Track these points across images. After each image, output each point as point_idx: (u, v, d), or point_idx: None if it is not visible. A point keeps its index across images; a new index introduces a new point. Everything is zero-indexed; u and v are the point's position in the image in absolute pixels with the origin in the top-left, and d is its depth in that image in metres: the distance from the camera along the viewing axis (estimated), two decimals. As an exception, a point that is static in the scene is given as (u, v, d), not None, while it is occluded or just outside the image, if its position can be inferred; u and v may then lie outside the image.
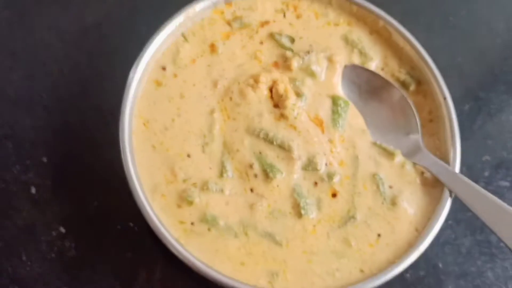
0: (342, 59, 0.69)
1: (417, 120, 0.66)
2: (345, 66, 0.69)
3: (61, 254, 0.64)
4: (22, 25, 0.78)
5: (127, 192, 0.59)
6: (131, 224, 0.66)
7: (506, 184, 0.74)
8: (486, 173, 0.75)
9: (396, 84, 0.69)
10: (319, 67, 0.68)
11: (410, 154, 0.65)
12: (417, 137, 0.65)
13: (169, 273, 0.65)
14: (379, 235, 0.61)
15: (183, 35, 0.70)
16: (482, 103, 0.79)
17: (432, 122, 0.68)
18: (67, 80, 0.75)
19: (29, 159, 0.69)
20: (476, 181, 0.72)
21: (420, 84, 0.70)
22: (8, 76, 0.74)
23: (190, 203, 0.60)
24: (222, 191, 0.61)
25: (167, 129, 0.65)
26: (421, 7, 0.87)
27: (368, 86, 0.69)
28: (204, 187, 0.61)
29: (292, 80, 0.67)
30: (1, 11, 0.79)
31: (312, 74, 0.68)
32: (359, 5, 0.73)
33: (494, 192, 0.71)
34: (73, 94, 0.74)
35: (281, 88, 0.65)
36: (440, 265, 0.69)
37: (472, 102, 0.79)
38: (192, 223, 0.59)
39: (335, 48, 0.70)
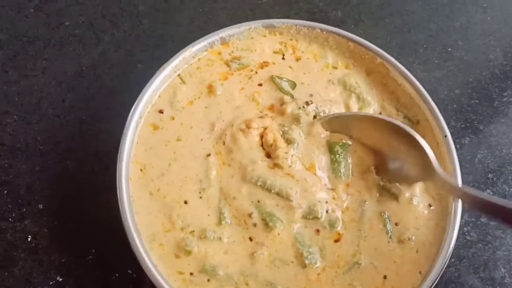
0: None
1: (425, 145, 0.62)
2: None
3: (59, 305, 0.63)
4: (16, 67, 0.78)
5: (125, 239, 0.58)
6: (129, 271, 0.65)
7: (509, 219, 0.73)
8: (489, 209, 0.74)
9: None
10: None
11: (424, 178, 0.63)
12: (428, 161, 0.62)
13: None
14: (385, 277, 0.60)
15: (180, 77, 0.70)
16: (482, 136, 0.79)
17: None
18: (63, 123, 0.74)
19: (25, 206, 0.69)
20: (478, 216, 0.73)
21: (418, 123, 0.70)
22: (3, 120, 0.74)
23: (189, 252, 0.59)
24: (220, 239, 0.60)
25: (164, 175, 0.64)
26: (419, 40, 0.87)
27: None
28: (202, 235, 0.60)
29: (282, 126, 0.66)
30: (-5, 54, 0.79)
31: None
32: (356, 42, 0.73)
33: (495, 228, 0.73)
34: (69, 137, 0.73)
35: (270, 137, 0.65)
36: (444, 305, 0.68)
37: (472, 135, 0.78)
38: (191, 274, 0.59)
39: (334, 98, 0.70)
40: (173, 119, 0.67)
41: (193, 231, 0.61)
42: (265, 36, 0.74)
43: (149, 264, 0.57)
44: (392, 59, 0.71)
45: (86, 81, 0.78)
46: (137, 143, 0.65)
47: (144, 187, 0.63)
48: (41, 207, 0.68)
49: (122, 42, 0.82)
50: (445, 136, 0.66)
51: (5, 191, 0.69)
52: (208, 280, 0.58)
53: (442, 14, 0.90)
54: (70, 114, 0.75)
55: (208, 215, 0.62)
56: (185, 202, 0.62)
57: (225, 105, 0.69)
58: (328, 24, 0.74)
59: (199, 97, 0.69)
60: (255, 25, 0.73)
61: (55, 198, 0.69)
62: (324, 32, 0.73)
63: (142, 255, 0.57)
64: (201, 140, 0.66)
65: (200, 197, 0.63)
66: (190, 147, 0.66)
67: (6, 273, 0.65)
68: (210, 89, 0.69)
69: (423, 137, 0.63)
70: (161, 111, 0.68)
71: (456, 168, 0.64)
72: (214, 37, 0.72)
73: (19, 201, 0.69)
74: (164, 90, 0.69)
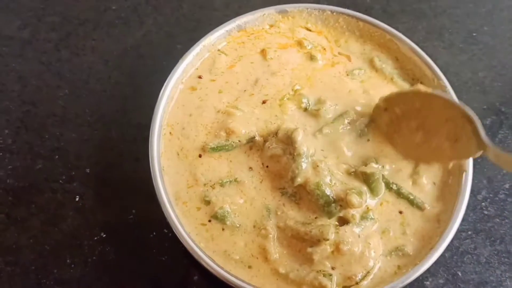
0: None
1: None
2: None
3: (102, 257, 0.70)
4: (68, 47, 0.85)
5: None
6: (165, 231, 0.71)
7: (527, 196, 0.76)
8: (507, 185, 0.76)
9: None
10: None
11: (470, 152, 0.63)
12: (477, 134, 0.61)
13: (202, 276, 0.69)
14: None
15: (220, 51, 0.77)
16: (503, 117, 0.81)
17: None
18: (109, 98, 0.81)
19: (74, 170, 0.75)
20: (496, 193, 0.76)
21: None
22: (55, 94, 0.81)
23: (208, 202, 0.65)
24: (238, 187, 0.67)
25: (184, 129, 0.70)
26: (445, 25, 0.90)
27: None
28: (221, 182, 0.67)
29: None
30: (49, 33, 0.87)
31: None
32: (365, 21, 0.77)
33: None
34: (114, 110, 0.80)
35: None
36: (460, 274, 0.71)
37: (493, 116, 0.81)
38: (209, 221, 0.65)
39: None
40: (214, 81, 0.74)
41: (214, 184, 0.66)
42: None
43: (175, 220, 0.63)
44: (400, 34, 0.75)
45: (130, 60, 0.85)
46: (173, 105, 0.71)
47: (172, 148, 0.69)
48: (88, 171, 0.75)
49: (163, 25, 0.88)
50: None
51: (56, 156, 0.76)
52: (223, 229, 0.64)
53: (468, 1, 0.92)
54: (115, 89, 0.82)
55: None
56: (200, 156, 0.68)
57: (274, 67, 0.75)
58: (356, 10, 0.78)
59: (239, 60, 0.75)
60: (269, 11, 0.78)
61: (101, 164, 0.76)
62: (334, 13, 0.78)
63: (168, 211, 0.63)
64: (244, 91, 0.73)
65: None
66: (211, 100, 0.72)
67: (55, 229, 0.71)
68: (263, 52, 0.76)
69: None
70: (200, 77, 0.74)
71: None
72: (231, 24, 0.76)
73: (69, 165, 0.76)
74: (203, 61, 0.75)
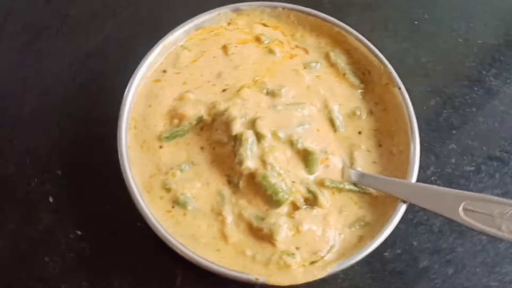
0: None
1: None
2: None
3: (79, 254, 0.72)
4: (31, 53, 0.87)
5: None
6: (139, 224, 0.73)
7: (471, 168, 0.82)
8: (453, 160, 0.83)
9: None
10: None
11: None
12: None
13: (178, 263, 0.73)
14: None
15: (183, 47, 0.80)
16: (446, 97, 0.88)
17: (386, 111, 0.77)
18: (75, 99, 0.84)
19: (45, 172, 0.78)
20: (443, 168, 0.82)
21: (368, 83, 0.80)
22: (21, 99, 0.83)
23: (168, 190, 0.68)
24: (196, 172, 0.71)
25: (145, 120, 0.73)
26: (389, 15, 0.96)
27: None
28: (178, 169, 0.70)
29: None
30: (10, 42, 0.88)
31: None
32: (314, 16, 0.82)
33: (460, 177, 0.81)
34: (81, 110, 0.83)
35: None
36: (415, 244, 0.77)
37: (437, 98, 0.88)
38: (172, 207, 0.68)
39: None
40: (179, 73, 0.77)
41: (174, 172, 0.70)
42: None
43: (145, 210, 0.65)
44: (346, 26, 0.80)
45: (93, 62, 0.87)
46: (136, 98, 0.74)
47: (136, 141, 0.72)
48: (60, 172, 0.78)
49: (123, 28, 0.91)
50: (399, 88, 0.75)
51: (27, 159, 0.78)
52: (184, 214, 0.67)
53: (410, -9, 1.00)
54: (80, 90, 0.84)
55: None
56: (161, 147, 0.72)
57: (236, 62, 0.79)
58: (307, 5, 0.83)
59: (202, 55, 0.79)
60: (224, 10, 0.82)
61: (72, 163, 0.78)
62: (285, 10, 0.83)
63: (139, 201, 0.66)
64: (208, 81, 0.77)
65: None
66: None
67: (31, 229, 0.73)
68: (224, 48, 0.80)
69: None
70: (164, 71, 0.77)
71: (413, 120, 0.73)
72: (189, 24, 0.80)
73: (40, 167, 0.78)
74: (167, 56, 0.79)
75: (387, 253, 0.76)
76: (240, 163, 0.67)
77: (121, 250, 0.73)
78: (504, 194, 0.80)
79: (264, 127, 0.70)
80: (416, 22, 0.95)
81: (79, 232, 0.74)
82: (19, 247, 0.73)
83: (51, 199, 0.76)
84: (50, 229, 0.74)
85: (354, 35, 0.80)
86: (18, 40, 0.89)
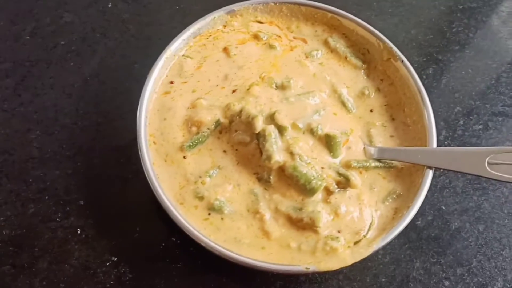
0: None
1: None
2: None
3: (119, 279, 0.71)
4: (27, 89, 0.85)
5: (162, 213, 0.66)
6: (173, 239, 0.74)
7: (480, 127, 0.85)
8: (461, 122, 0.86)
9: None
10: None
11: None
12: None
13: (219, 270, 0.72)
14: None
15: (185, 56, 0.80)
16: (442, 64, 0.91)
17: (392, 85, 0.79)
18: (82, 129, 0.82)
19: (67, 205, 0.76)
20: (454, 131, 0.84)
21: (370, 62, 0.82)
22: (27, 137, 0.81)
23: (201, 198, 0.68)
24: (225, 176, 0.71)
25: (162, 134, 0.73)
26: (371, -6, 0.98)
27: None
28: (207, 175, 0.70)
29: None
30: (4, 80, 0.86)
31: None
32: (305, 5, 0.84)
33: (471, 136, 0.84)
34: (90, 139, 0.81)
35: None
36: (443, 208, 0.79)
37: (434, 65, 0.90)
38: (209, 214, 0.68)
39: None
40: (186, 82, 0.77)
41: (203, 179, 0.70)
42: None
43: (184, 222, 0.64)
44: (338, 10, 0.82)
45: (92, 88, 0.86)
46: (150, 114, 0.74)
47: (159, 156, 0.71)
48: (82, 202, 0.76)
49: (115, 49, 0.90)
50: (402, 61, 0.77)
51: (46, 197, 0.76)
52: (222, 219, 0.67)
53: (386, -30, 1.02)
54: (85, 119, 0.83)
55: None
56: (184, 157, 0.72)
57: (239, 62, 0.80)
58: (292, -6, 0.84)
59: (205, 61, 0.79)
60: (218, 13, 0.82)
61: (92, 193, 0.77)
62: (277, 4, 0.84)
63: (175, 215, 0.65)
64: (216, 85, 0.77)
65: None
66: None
67: (66, 265, 0.72)
68: (225, 50, 0.80)
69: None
70: (171, 82, 0.77)
71: (421, 88, 0.75)
72: (186, 33, 0.80)
73: (61, 202, 0.76)
74: (170, 68, 0.79)
75: (419, 222, 0.78)
76: (269, 158, 0.68)
77: (161, 268, 0.72)
78: (515, 145, 0.83)
79: (284, 119, 0.70)
80: (398, -2, 0.98)
81: (114, 258, 0.72)
82: (57, 284, 0.70)
83: (79, 231, 0.74)
84: (85, 260, 0.72)
85: (348, 18, 0.81)
86: (10, 78, 0.86)
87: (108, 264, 0.72)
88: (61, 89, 0.86)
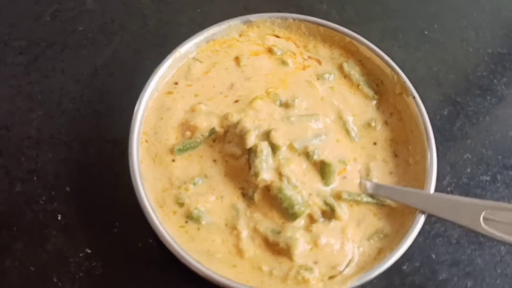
0: None
1: None
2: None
3: (89, 273, 0.70)
4: (37, 69, 0.86)
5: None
6: (150, 241, 0.72)
7: (487, 178, 0.81)
8: (468, 170, 0.82)
9: None
10: None
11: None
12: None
13: (192, 281, 0.70)
14: None
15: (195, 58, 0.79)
16: (459, 107, 0.87)
17: (401, 121, 0.76)
18: (83, 116, 0.82)
19: (53, 190, 0.76)
20: (459, 178, 0.81)
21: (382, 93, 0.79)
22: (28, 116, 0.82)
23: (181, 204, 0.67)
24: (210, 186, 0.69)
25: (157, 133, 0.72)
26: (398, 25, 0.95)
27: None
28: (192, 182, 0.69)
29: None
30: (17, 57, 0.87)
31: None
32: (325, 26, 0.82)
33: (476, 186, 0.80)
34: (89, 128, 0.81)
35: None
36: (433, 256, 0.75)
37: (450, 107, 0.87)
38: (186, 222, 0.66)
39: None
40: (190, 86, 0.76)
41: (187, 186, 0.68)
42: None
43: (159, 227, 0.63)
44: (357, 35, 0.80)
45: (101, 78, 0.86)
46: (148, 111, 0.73)
47: (149, 155, 0.71)
48: (68, 189, 0.76)
49: (130, 42, 0.90)
50: (414, 97, 0.74)
51: (35, 178, 0.77)
52: (198, 229, 0.66)
53: (418, 2, 0.99)
54: (88, 108, 0.83)
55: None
56: (173, 160, 0.70)
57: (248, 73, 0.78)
58: (314, 16, 0.83)
59: (214, 67, 0.78)
60: (234, 22, 0.81)
61: (80, 181, 0.77)
62: (296, 21, 0.82)
63: (152, 218, 0.64)
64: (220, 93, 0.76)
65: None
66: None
67: (40, 250, 0.71)
68: (236, 60, 0.79)
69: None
70: (176, 83, 0.77)
71: (428, 129, 0.72)
72: (199, 37, 0.79)
73: (48, 186, 0.76)
74: (178, 68, 0.78)
75: (405, 266, 0.74)
76: (256, 175, 0.66)
77: (133, 268, 0.71)
78: (521, 204, 0.78)
79: (279, 139, 0.68)
80: (425, 32, 0.95)
81: (89, 251, 0.72)
82: (27, 267, 0.70)
83: (59, 217, 0.74)
84: (59, 248, 0.72)
85: (365, 45, 0.79)
86: (24, 56, 0.87)
87: (81, 255, 0.72)
88: (70, 75, 0.86)
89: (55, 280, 0.70)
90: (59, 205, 0.75)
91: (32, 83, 0.85)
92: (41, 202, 0.75)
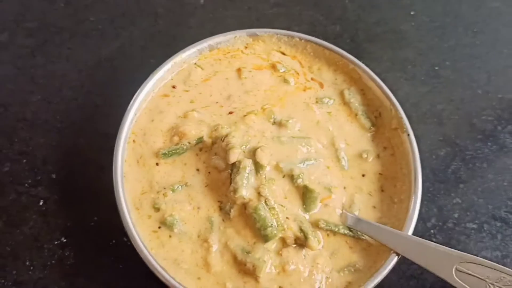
0: None
1: None
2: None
3: (61, 261, 0.71)
4: (43, 53, 0.87)
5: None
6: (125, 239, 0.72)
7: (474, 226, 0.79)
8: (456, 215, 0.80)
9: None
10: None
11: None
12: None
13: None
14: None
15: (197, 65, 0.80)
16: (458, 149, 0.85)
17: (393, 156, 0.75)
18: (79, 106, 0.83)
19: (40, 174, 0.77)
20: (445, 222, 0.79)
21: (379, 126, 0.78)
22: (27, 98, 0.83)
23: (157, 209, 0.68)
24: (188, 195, 0.69)
25: (145, 134, 0.73)
26: (409, 57, 0.93)
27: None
28: (172, 189, 0.69)
29: None
30: (26, 38, 0.88)
31: None
32: (330, 50, 0.81)
33: (461, 233, 0.78)
34: (83, 118, 0.82)
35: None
36: (406, 300, 0.74)
37: (448, 148, 0.85)
38: (159, 227, 0.67)
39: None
40: (187, 91, 0.77)
41: (166, 191, 0.69)
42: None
43: (131, 228, 0.65)
44: (361, 64, 0.79)
45: (103, 71, 0.87)
46: (141, 111, 0.74)
47: (134, 155, 0.71)
48: (54, 176, 0.77)
49: (138, 39, 0.91)
50: (408, 134, 0.73)
51: (24, 160, 0.78)
52: (170, 236, 0.66)
53: (433, 35, 0.97)
54: (86, 98, 0.84)
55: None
56: (157, 164, 0.71)
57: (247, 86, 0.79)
58: (326, 37, 0.82)
59: (214, 75, 0.79)
60: (240, 34, 0.81)
61: (67, 170, 0.78)
62: (302, 40, 0.82)
63: (126, 218, 0.65)
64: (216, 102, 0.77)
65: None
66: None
67: (17, 231, 0.73)
68: (238, 71, 0.79)
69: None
70: (174, 86, 0.77)
71: (417, 170, 0.71)
72: (203, 44, 0.80)
73: (35, 169, 0.77)
74: (178, 72, 0.79)
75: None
76: (235, 191, 0.66)
77: (103, 264, 0.72)
78: (504, 258, 0.76)
79: (264, 158, 0.68)
80: (436, 68, 0.93)
81: (64, 240, 0.73)
82: (3, 246, 0.72)
83: (41, 203, 0.75)
84: (36, 232, 0.73)
85: (367, 74, 0.78)
86: (33, 38, 0.88)
87: (56, 243, 0.73)
88: (74, 63, 0.87)
89: (27, 263, 0.71)
90: (43, 191, 0.76)
91: (36, 67, 0.86)
92: (26, 185, 0.76)
